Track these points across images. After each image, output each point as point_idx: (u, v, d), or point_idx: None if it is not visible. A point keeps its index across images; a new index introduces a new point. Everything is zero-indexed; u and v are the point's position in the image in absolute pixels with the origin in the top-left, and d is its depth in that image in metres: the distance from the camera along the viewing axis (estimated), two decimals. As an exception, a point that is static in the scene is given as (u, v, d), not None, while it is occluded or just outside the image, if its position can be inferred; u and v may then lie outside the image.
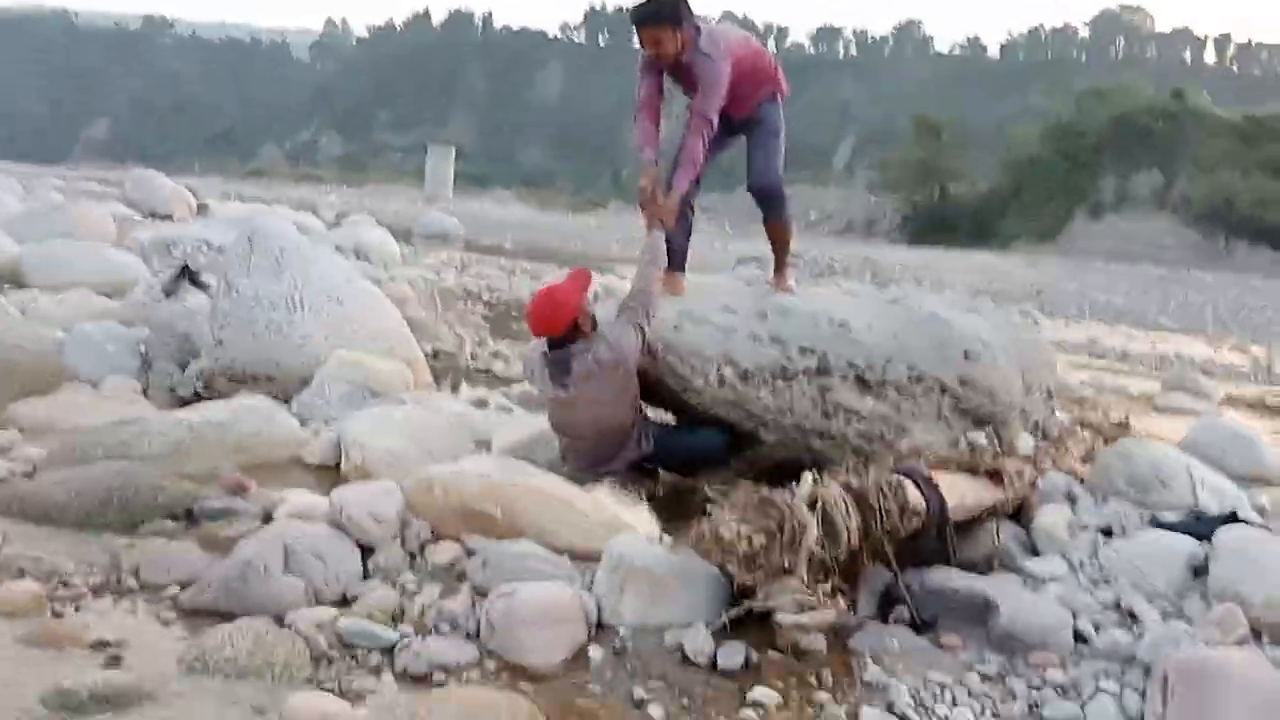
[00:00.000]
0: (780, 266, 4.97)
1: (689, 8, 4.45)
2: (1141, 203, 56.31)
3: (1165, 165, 57.35)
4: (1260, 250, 49.02)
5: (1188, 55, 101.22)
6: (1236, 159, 54.64)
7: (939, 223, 52.74)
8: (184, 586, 3.37)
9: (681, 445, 4.57)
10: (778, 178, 4.79)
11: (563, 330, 4.28)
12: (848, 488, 3.52)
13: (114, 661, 2.91)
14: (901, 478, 3.66)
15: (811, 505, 3.39)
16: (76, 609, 3.23)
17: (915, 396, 4.46)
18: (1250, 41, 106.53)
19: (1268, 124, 55.25)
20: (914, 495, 3.63)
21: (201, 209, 18.41)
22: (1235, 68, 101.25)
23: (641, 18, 4.45)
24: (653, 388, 4.45)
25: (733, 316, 4.49)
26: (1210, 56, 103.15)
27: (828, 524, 3.38)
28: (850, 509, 3.46)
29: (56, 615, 3.17)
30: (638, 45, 4.55)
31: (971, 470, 4.06)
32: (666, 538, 3.83)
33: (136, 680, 2.80)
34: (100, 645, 2.99)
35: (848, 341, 4.43)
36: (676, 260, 4.71)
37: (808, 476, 3.51)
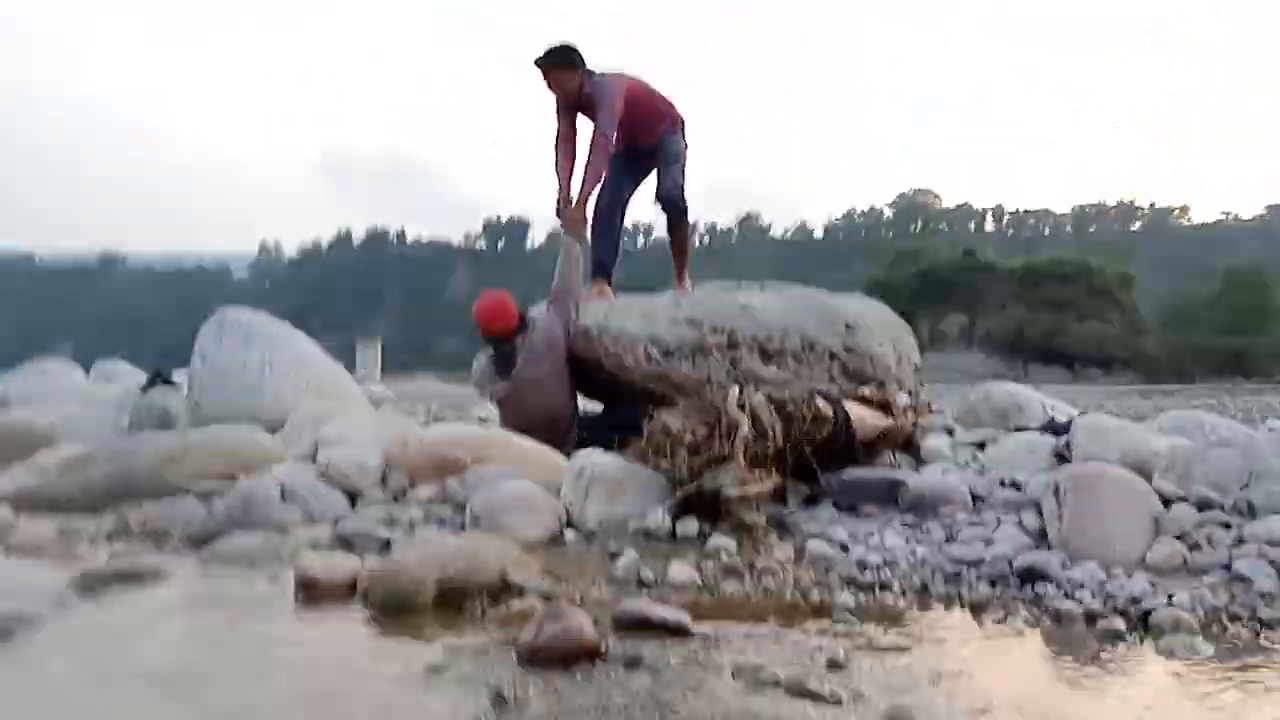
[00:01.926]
0: (680, 273, 5.07)
1: (580, 55, 4.67)
2: (952, 340, 58.93)
3: (968, 308, 60.29)
4: (1052, 369, 51.57)
5: (972, 225, 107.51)
6: (1022, 299, 57.72)
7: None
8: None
9: (607, 424, 4.56)
10: (679, 192, 4.89)
11: (513, 325, 4.33)
12: (769, 398, 3.53)
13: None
14: (812, 393, 3.70)
15: (740, 409, 3.39)
16: (92, 543, 3.01)
17: (809, 362, 4.51)
18: (1018, 209, 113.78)
19: (1043, 269, 58.73)
20: (824, 406, 3.65)
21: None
22: (1010, 231, 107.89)
23: (542, 63, 4.64)
24: (591, 371, 4.42)
25: (653, 305, 4.53)
26: (990, 224, 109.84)
27: (756, 422, 3.37)
28: (773, 414, 3.46)
29: (74, 551, 2.95)
30: (546, 88, 4.72)
31: (866, 402, 4.10)
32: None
33: (157, 565, 2.61)
34: (119, 556, 2.79)
35: (750, 319, 4.49)
36: (604, 272, 4.77)
37: (734, 389, 3.51)
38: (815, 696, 1.54)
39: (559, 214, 4.69)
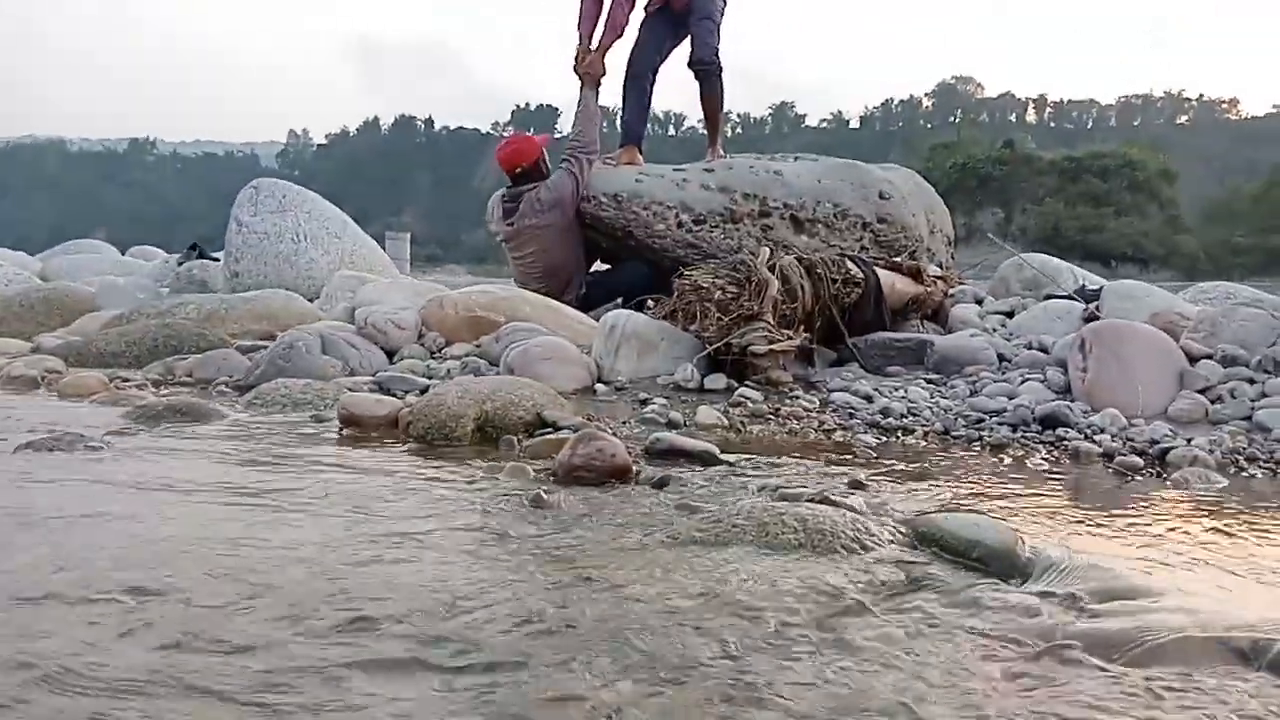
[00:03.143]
0: (713, 137, 5.02)
1: None
2: (987, 235, 57.96)
3: (1004, 203, 59.12)
4: (1088, 265, 50.65)
5: (1013, 116, 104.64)
6: (1061, 193, 56.48)
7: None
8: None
9: (612, 281, 4.66)
10: (710, 52, 4.79)
11: (531, 162, 4.44)
12: (799, 259, 3.56)
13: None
14: (842, 256, 3.72)
15: (770, 270, 3.42)
16: (139, 389, 3.13)
17: (841, 230, 4.51)
18: (1062, 100, 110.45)
19: (1084, 162, 57.36)
20: (854, 269, 3.67)
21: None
22: (1052, 123, 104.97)
23: None
24: (619, 237, 4.45)
25: (684, 172, 4.53)
26: (1031, 115, 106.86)
27: (785, 282, 3.41)
28: (803, 275, 3.49)
29: (121, 392, 3.07)
30: None
31: (896, 269, 4.11)
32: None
33: (203, 402, 2.72)
34: (165, 399, 2.90)
35: (781, 186, 4.48)
36: (633, 136, 4.74)
37: (765, 249, 3.54)
38: (836, 505, 1.62)
39: (575, 70, 4.66)
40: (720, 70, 4.78)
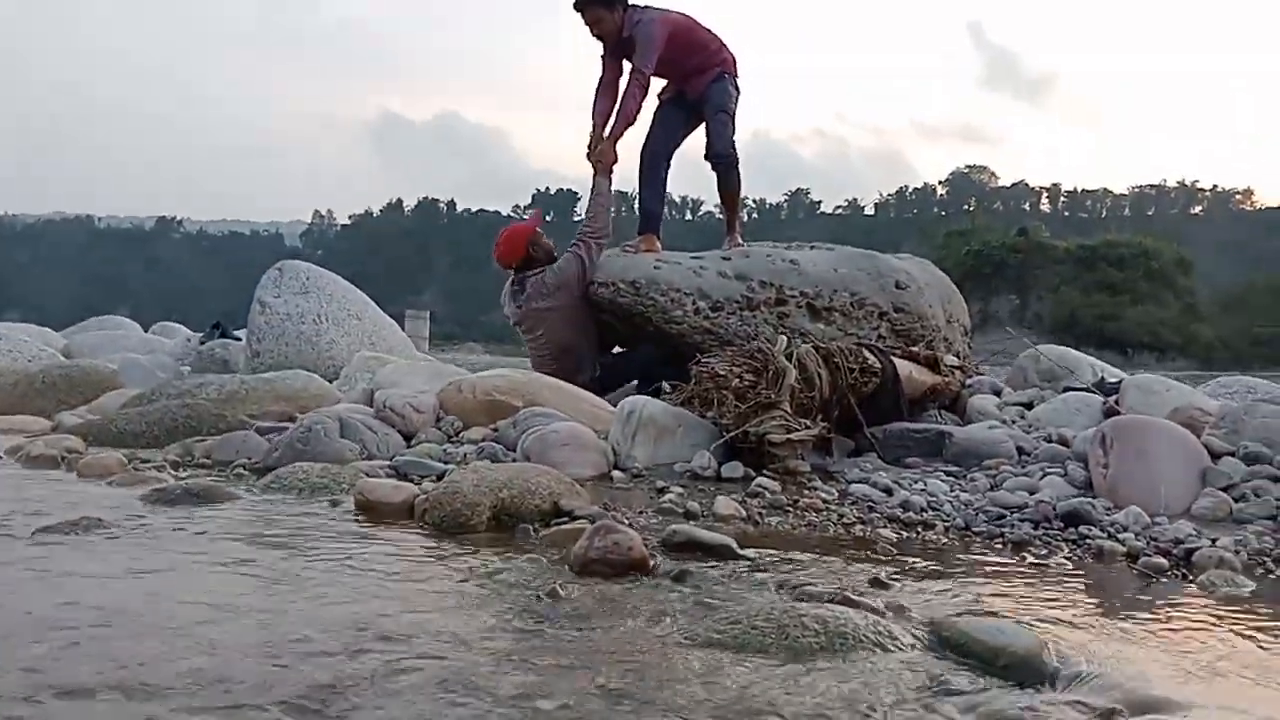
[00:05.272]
0: (731, 225, 5.08)
1: None
2: (1003, 321, 57.96)
3: (1019, 290, 59.31)
4: (1106, 353, 50.51)
5: (1027, 205, 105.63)
6: (1076, 281, 56.63)
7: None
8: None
9: (626, 364, 4.71)
10: (727, 145, 4.86)
11: (521, 254, 4.54)
12: (816, 348, 3.56)
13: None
14: (860, 345, 3.72)
15: (787, 359, 3.42)
16: (158, 471, 3.13)
17: (858, 319, 4.53)
18: (1076, 188, 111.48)
19: (1099, 250, 57.64)
20: (871, 359, 3.67)
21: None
22: (1065, 212, 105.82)
23: (580, 4, 4.66)
24: (636, 322, 4.47)
25: (701, 260, 4.57)
26: (1045, 204, 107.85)
27: (803, 370, 3.41)
28: (820, 364, 3.50)
29: (139, 473, 3.07)
30: (585, 28, 4.74)
31: (913, 358, 4.11)
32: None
33: (221, 484, 2.72)
34: (182, 481, 2.90)
35: (798, 275, 4.52)
36: (651, 224, 4.80)
37: (782, 339, 3.55)
38: (856, 605, 1.59)
39: (589, 155, 4.74)
40: (737, 161, 4.86)
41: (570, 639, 1.45)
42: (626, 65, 4.78)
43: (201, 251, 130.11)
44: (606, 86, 4.82)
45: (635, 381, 4.78)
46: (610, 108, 4.77)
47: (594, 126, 4.79)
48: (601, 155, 4.74)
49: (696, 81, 4.81)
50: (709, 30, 4.95)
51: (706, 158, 4.86)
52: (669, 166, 4.90)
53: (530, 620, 1.54)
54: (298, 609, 1.57)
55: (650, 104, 4.91)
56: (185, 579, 1.75)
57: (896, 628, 1.48)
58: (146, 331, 10.54)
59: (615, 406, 4.07)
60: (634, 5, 4.73)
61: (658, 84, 4.89)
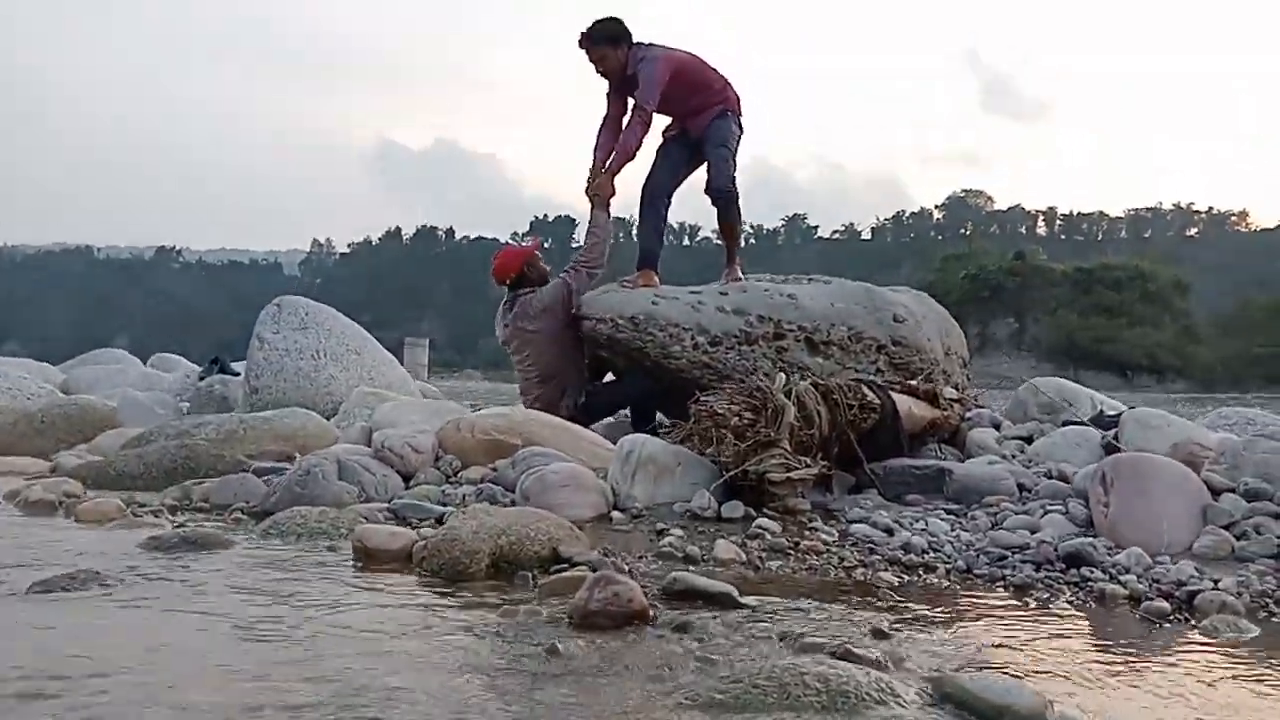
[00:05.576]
0: (731, 257, 5.10)
1: (626, 30, 4.71)
2: (1001, 344, 58.11)
3: (1017, 313, 59.43)
4: (1104, 376, 50.60)
5: (1023, 228, 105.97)
6: (1074, 304, 56.74)
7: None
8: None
9: (613, 393, 4.75)
10: (727, 181, 4.87)
11: (516, 271, 4.71)
12: (815, 385, 3.56)
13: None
14: (858, 381, 3.72)
15: (786, 396, 3.42)
16: (155, 516, 3.12)
17: (856, 353, 4.53)
18: (1072, 212, 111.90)
19: (1096, 273, 57.80)
20: (871, 395, 3.67)
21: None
22: (1062, 235, 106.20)
23: (585, 42, 4.70)
24: (634, 356, 4.47)
25: (699, 294, 4.58)
26: (1041, 227, 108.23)
27: (802, 408, 3.40)
28: (819, 401, 3.49)
29: (138, 519, 3.06)
30: (590, 65, 4.78)
31: (912, 393, 4.10)
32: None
33: (218, 532, 2.71)
34: (180, 527, 2.89)
35: (796, 309, 4.52)
36: (650, 260, 4.81)
37: (780, 375, 3.55)
38: (859, 660, 1.58)
39: (587, 192, 4.79)
40: (737, 197, 4.88)
41: (571, 701, 1.44)
42: (630, 102, 4.80)
43: (201, 281, 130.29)
44: (610, 123, 4.85)
45: (624, 411, 4.80)
46: (612, 144, 4.80)
47: (594, 161, 4.82)
48: (599, 189, 4.79)
49: (699, 119, 4.84)
50: (714, 69, 4.98)
51: (706, 192, 4.87)
52: (669, 204, 4.93)
53: (529, 681, 1.52)
54: (287, 669, 1.55)
55: (654, 141, 4.94)
56: (177, 635, 1.74)
57: (898, 684, 1.47)
58: (145, 363, 10.52)
59: (607, 438, 4.08)
60: (638, 43, 4.77)
61: (662, 122, 4.93)
